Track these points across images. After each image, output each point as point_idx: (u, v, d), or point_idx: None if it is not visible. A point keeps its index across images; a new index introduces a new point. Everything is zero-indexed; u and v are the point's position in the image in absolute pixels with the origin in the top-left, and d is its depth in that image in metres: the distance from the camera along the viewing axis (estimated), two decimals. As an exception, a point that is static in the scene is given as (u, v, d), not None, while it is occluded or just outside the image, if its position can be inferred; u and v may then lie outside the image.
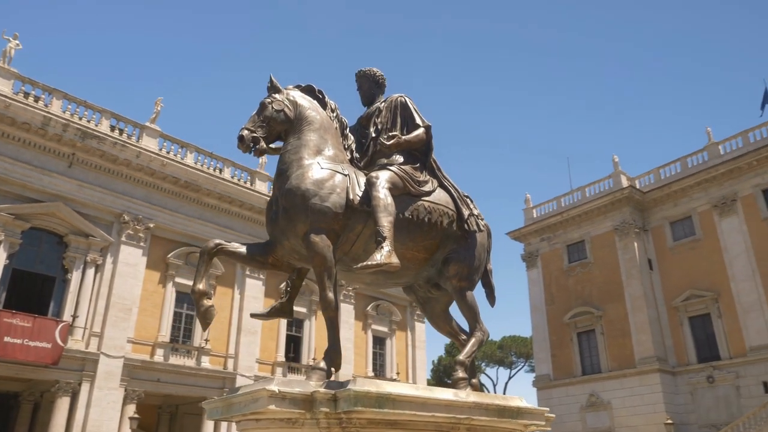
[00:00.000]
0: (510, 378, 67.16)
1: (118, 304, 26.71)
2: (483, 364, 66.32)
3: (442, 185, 7.68)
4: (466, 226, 7.52)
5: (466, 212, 7.60)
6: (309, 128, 7.16)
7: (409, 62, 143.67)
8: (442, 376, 62.18)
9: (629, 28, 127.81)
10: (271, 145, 7.24)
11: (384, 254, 6.23)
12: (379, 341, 36.82)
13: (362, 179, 7.06)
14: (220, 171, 32.30)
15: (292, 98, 7.32)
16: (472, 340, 7.44)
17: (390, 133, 7.49)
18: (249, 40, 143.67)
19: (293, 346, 32.84)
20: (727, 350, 36.35)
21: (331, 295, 6.43)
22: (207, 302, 6.48)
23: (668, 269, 39.95)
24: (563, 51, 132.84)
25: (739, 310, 36.16)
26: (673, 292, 39.26)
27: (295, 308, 30.19)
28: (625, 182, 42.14)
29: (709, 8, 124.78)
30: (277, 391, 5.33)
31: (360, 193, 6.84)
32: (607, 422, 38.88)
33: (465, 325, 7.81)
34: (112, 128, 28.73)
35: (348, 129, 7.73)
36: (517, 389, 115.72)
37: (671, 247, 40.17)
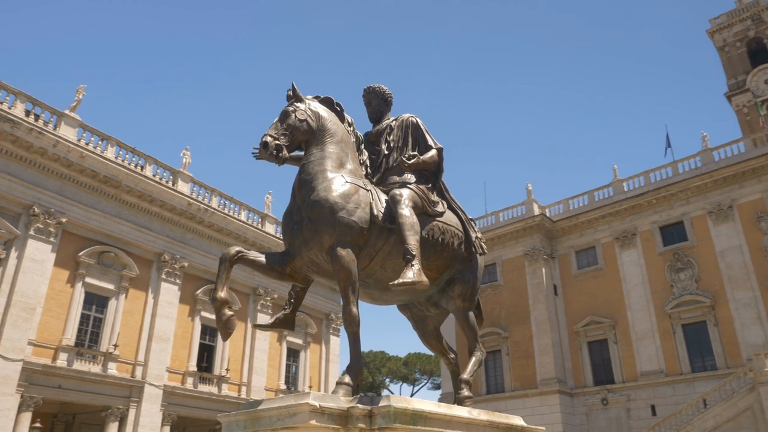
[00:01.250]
0: (412, 394, 68.11)
1: (20, 303, 24.67)
2: (387, 379, 66.91)
3: (450, 207, 7.85)
4: (473, 248, 7.72)
5: (473, 235, 7.80)
6: (331, 140, 7.11)
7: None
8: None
9: (553, 68, 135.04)
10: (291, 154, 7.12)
11: (415, 272, 6.30)
12: (293, 353, 36.26)
13: (382, 196, 7.09)
14: (142, 168, 30.81)
15: (314, 109, 7.23)
16: (473, 359, 7.63)
17: (410, 153, 7.58)
18: (183, 34, 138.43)
19: (206, 355, 31.65)
20: (621, 374, 38.88)
21: (355, 309, 6.37)
22: (228, 312, 6.25)
23: (572, 295, 42.26)
24: (492, 77, 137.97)
25: (633, 337, 38.82)
26: (574, 318, 41.55)
27: (211, 316, 29.02)
28: (536, 210, 44.26)
29: (626, 57, 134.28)
30: (318, 406, 5.23)
31: (382, 210, 6.87)
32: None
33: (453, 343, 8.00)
34: (27, 113, 26.72)
35: (363, 144, 7.74)
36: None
37: (575, 274, 42.57)
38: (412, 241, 6.57)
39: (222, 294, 6.29)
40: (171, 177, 32.15)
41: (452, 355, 8.37)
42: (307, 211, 6.57)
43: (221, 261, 6.48)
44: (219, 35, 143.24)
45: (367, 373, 63.67)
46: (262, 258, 6.71)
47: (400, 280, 6.25)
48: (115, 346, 27.43)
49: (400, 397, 5.65)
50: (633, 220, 40.92)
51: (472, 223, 8.09)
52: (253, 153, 7.85)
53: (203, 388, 30.42)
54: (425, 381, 66.79)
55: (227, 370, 31.60)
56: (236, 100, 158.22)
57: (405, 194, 7.01)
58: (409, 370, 64.98)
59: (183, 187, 32.18)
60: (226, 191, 34.35)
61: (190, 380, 30.06)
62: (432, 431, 5.70)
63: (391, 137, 7.89)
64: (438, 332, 8.35)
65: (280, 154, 6.75)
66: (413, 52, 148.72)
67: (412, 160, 7.41)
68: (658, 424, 33.71)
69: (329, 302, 38.81)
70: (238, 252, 6.56)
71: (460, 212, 7.93)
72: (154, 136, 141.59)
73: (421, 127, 7.95)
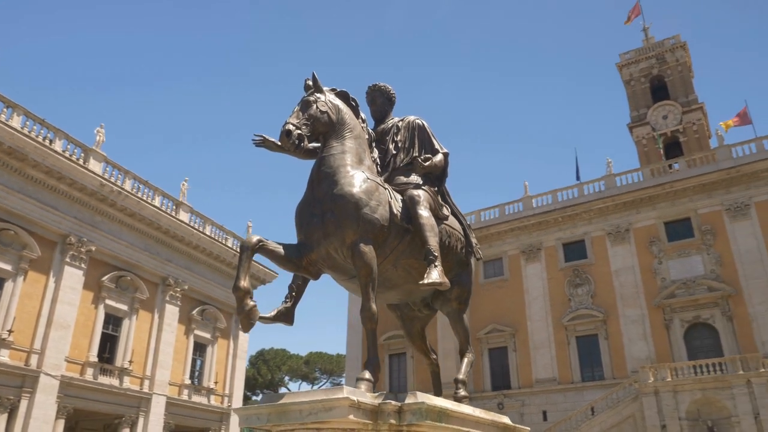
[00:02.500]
0: (309, 394, 67.58)
1: None
2: (287, 378, 66.21)
3: (452, 211, 8.06)
4: (473, 253, 7.98)
5: (473, 240, 8.06)
6: (350, 135, 7.08)
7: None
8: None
9: (472, 81, 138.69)
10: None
11: (439, 272, 6.45)
12: (200, 348, 35.07)
13: (397, 195, 7.17)
14: (51, 142, 28.69)
15: (334, 101, 7.17)
16: (466, 360, 7.89)
17: (425, 155, 7.70)
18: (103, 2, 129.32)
19: (109, 346, 29.94)
20: (518, 381, 40.84)
21: (374, 306, 6.41)
22: (251, 302, 6.08)
23: (477, 304, 43.77)
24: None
25: (531, 346, 40.92)
26: (478, 325, 43.11)
27: (117, 305, 27.85)
28: (450, 219, 45.55)
29: (541, 79, 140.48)
30: (356, 401, 5.25)
31: (400, 209, 6.95)
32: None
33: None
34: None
35: (374, 143, 7.76)
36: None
37: (482, 283, 44.20)
38: (433, 242, 6.72)
39: (244, 283, 6.13)
40: (82, 154, 30.17)
41: (434, 356, 8.58)
42: (330, 204, 6.51)
43: (242, 249, 6.32)
44: (144, 6, 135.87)
45: (266, 371, 62.72)
46: (280, 249, 6.58)
47: (428, 280, 6.38)
48: (10, 331, 25.34)
49: (423, 394, 5.77)
50: (539, 236, 43.16)
51: (471, 228, 8.35)
52: (253, 140, 7.67)
53: (104, 380, 28.75)
54: (325, 380, 66.78)
55: (130, 362, 30.05)
56: (157, 80, 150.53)
57: (423, 196, 7.15)
58: (309, 369, 64.66)
59: (95, 166, 30.29)
60: (140, 175, 32.69)
61: (90, 371, 28.30)
62: (450, 428, 5.88)
63: (399, 137, 7.97)
64: (423, 333, 8.54)
65: (302, 145, 6.64)
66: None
67: (428, 163, 7.54)
68: (549, 429, 35.75)
69: (240, 297, 37.89)
70: (259, 241, 6.41)
71: (460, 217, 8.17)
72: (66, 112, 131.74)
73: (428, 130, 8.08)
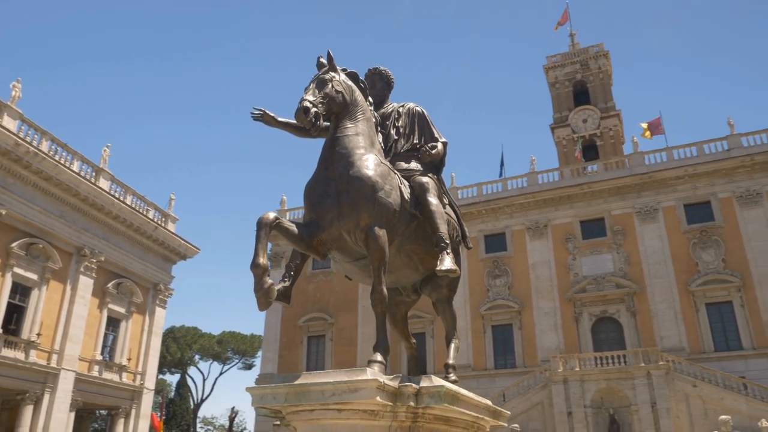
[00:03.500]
0: (221, 373, 66.49)
1: None
2: (197, 357, 64.47)
3: (448, 201, 8.13)
4: (465, 242, 8.11)
5: (467, 230, 8.19)
6: (362, 117, 7.01)
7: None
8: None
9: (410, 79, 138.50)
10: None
11: (451, 259, 6.53)
12: (113, 322, 33.41)
13: (404, 180, 7.17)
14: (-40, 93, 26.30)
15: (348, 82, 7.07)
16: (453, 345, 8.02)
17: (431, 144, 7.71)
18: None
19: (15, 317, 27.98)
20: (434, 367, 41.76)
21: (385, 290, 6.39)
22: (269, 280, 5.89)
23: (398, 289, 44.47)
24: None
25: (448, 333, 42.01)
26: (399, 311, 43.75)
27: (26, 274, 26.33)
28: (377, 205, 45.83)
29: (473, 77, 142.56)
30: (383, 383, 5.23)
31: (408, 195, 6.96)
32: (322, 423, 41.27)
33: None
34: None
35: (379, 127, 7.68)
36: (228, 384, 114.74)
37: (404, 270, 44.85)
38: (444, 229, 6.79)
39: (263, 260, 5.94)
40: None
41: (413, 340, 8.66)
42: (345, 185, 6.43)
43: (260, 226, 6.09)
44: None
45: (176, 348, 60.76)
46: (294, 228, 6.44)
47: (443, 267, 6.44)
48: None
49: (437, 378, 5.83)
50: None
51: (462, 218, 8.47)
52: (252, 114, 7.58)
53: (7, 353, 26.82)
54: (237, 360, 65.59)
55: (38, 335, 28.23)
56: (77, 38, 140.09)
57: (431, 183, 7.19)
58: (222, 349, 63.22)
59: (9, 123, 28.03)
60: (59, 137, 30.57)
61: (-7, 343, 26.37)
62: (457, 410, 5.99)
63: (399, 123, 7.95)
64: (406, 318, 8.58)
65: (317, 123, 6.48)
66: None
67: (434, 151, 7.57)
68: (463, 413, 36.97)
69: (160, 272, 36.50)
70: (276, 218, 6.22)
71: (454, 206, 8.26)
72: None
73: (427, 118, 8.09)
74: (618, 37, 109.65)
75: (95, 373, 31.57)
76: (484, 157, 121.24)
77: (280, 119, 7.53)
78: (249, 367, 66.35)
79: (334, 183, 6.54)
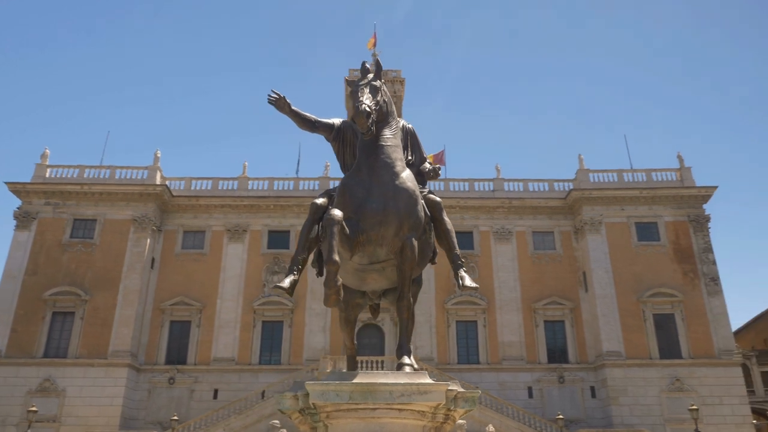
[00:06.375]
0: None
1: None
2: None
3: None
4: (433, 252, 8.48)
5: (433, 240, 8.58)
6: (396, 128, 7.47)
7: None
8: None
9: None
10: None
11: (470, 277, 6.91)
12: None
13: None
14: None
15: (388, 93, 7.46)
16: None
17: (437, 166, 8.09)
18: None
19: None
20: (195, 357, 40.24)
21: (411, 298, 6.64)
22: (340, 278, 5.81)
23: (168, 273, 41.92)
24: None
25: (216, 324, 40.86)
26: (165, 295, 41.27)
27: None
28: (159, 179, 42.74)
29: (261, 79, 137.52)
30: (448, 387, 5.37)
31: (426, 210, 7.30)
32: (55, 410, 36.82)
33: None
34: None
35: None
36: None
37: (178, 253, 42.50)
38: (457, 248, 7.17)
39: (337, 257, 5.80)
40: None
41: (355, 341, 8.81)
42: (391, 194, 6.72)
43: (332, 223, 6.18)
44: None
45: None
46: (346, 228, 6.52)
47: (468, 284, 6.82)
48: None
49: (457, 383, 6.12)
50: (248, 218, 43.55)
51: None
52: (270, 96, 7.69)
53: None
54: None
55: None
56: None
57: (442, 203, 7.58)
58: None
59: None
60: None
61: None
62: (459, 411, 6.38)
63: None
64: (356, 321, 8.76)
65: (372, 129, 6.75)
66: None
67: (438, 172, 7.98)
68: (224, 407, 36.25)
69: None
70: (342, 217, 6.38)
71: None
72: None
73: (417, 135, 8.45)
74: (417, 68, 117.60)
75: None
76: (281, 151, 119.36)
77: (293, 108, 7.70)
78: None
79: (377, 189, 6.80)
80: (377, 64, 7.22)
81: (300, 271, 7.04)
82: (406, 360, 6.38)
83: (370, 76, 7.14)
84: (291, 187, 44.70)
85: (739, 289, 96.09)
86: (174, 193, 43.06)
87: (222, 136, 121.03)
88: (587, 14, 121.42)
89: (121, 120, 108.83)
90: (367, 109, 6.55)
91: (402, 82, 57.55)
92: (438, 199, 7.69)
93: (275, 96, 7.52)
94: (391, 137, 7.12)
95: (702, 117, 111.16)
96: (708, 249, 41.55)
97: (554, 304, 41.99)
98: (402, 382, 5.44)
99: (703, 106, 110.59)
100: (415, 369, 6.32)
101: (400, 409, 5.44)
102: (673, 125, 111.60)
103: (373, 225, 6.68)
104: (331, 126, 7.87)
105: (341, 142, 7.94)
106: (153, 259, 41.81)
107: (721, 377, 38.34)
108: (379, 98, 7.01)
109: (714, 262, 41.09)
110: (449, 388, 5.55)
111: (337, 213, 6.36)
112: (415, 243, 6.69)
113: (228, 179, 44.65)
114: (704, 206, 43.06)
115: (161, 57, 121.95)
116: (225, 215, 43.43)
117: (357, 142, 7.82)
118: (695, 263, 41.27)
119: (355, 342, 8.77)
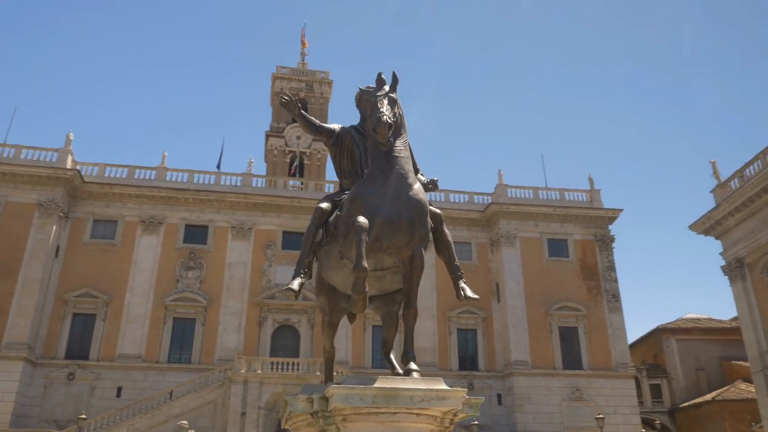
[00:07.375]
0: None
1: None
2: None
3: None
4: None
5: None
6: (406, 139, 7.56)
7: None
8: None
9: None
10: None
11: (470, 288, 7.12)
12: None
13: None
14: None
15: (401, 105, 7.55)
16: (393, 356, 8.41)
17: (434, 179, 8.24)
18: None
19: None
20: (98, 352, 38.18)
21: (417, 306, 6.79)
22: (367, 284, 5.87)
23: (74, 262, 39.56)
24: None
25: (124, 319, 39.01)
26: (69, 286, 38.94)
27: None
28: (70, 163, 40.31)
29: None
30: (465, 393, 5.54)
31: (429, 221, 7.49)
32: (-65, 406, 33.74)
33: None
34: None
35: None
36: None
37: (86, 242, 40.25)
38: (457, 259, 7.39)
39: (366, 264, 5.94)
40: None
41: (334, 346, 8.81)
42: (405, 203, 6.91)
43: (362, 230, 6.34)
44: None
45: None
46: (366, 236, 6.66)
47: (469, 295, 7.04)
48: None
49: (461, 389, 6.32)
50: (164, 210, 41.91)
51: None
52: (282, 99, 7.96)
53: None
54: None
55: None
56: None
57: (442, 215, 7.75)
58: None
59: None
60: None
61: None
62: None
63: None
64: (338, 325, 8.77)
65: (391, 140, 6.96)
66: None
67: (437, 183, 8.17)
68: (128, 406, 34.66)
69: None
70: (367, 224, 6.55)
71: None
72: None
73: (410, 147, 8.61)
74: (347, 70, 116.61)
75: None
76: (203, 145, 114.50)
77: (301, 111, 7.96)
78: None
79: (391, 198, 6.94)
80: (394, 78, 7.41)
81: (306, 274, 7.12)
82: (413, 366, 6.54)
83: (386, 87, 7.26)
84: (212, 182, 43.46)
85: (634, 306, 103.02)
86: (86, 179, 40.71)
87: (141, 123, 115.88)
88: (514, 39, 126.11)
89: (30, 97, 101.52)
90: (389, 120, 6.76)
91: (330, 84, 57.61)
92: (438, 211, 7.88)
93: (287, 98, 7.80)
94: (403, 149, 7.31)
95: (612, 142, 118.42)
96: (611, 267, 44.35)
97: (468, 313, 43.28)
98: (422, 387, 5.60)
99: (613, 132, 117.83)
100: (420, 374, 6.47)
101: (418, 414, 5.60)
102: (586, 148, 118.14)
103: (387, 233, 6.84)
104: (331, 131, 8.10)
105: (339, 147, 8.11)
106: (58, 248, 39.31)
107: (616, 388, 40.99)
108: (396, 110, 7.20)
109: (616, 280, 43.91)
110: (465, 394, 5.75)
111: (364, 220, 6.50)
112: (423, 253, 6.91)
113: (145, 168, 42.81)
114: (610, 227, 45.92)
115: (89, 34, 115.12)
116: (140, 206, 41.55)
117: (356, 149, 7.96)
118: (599, 280, 43.92)
119: (335, 346, 8.78)
